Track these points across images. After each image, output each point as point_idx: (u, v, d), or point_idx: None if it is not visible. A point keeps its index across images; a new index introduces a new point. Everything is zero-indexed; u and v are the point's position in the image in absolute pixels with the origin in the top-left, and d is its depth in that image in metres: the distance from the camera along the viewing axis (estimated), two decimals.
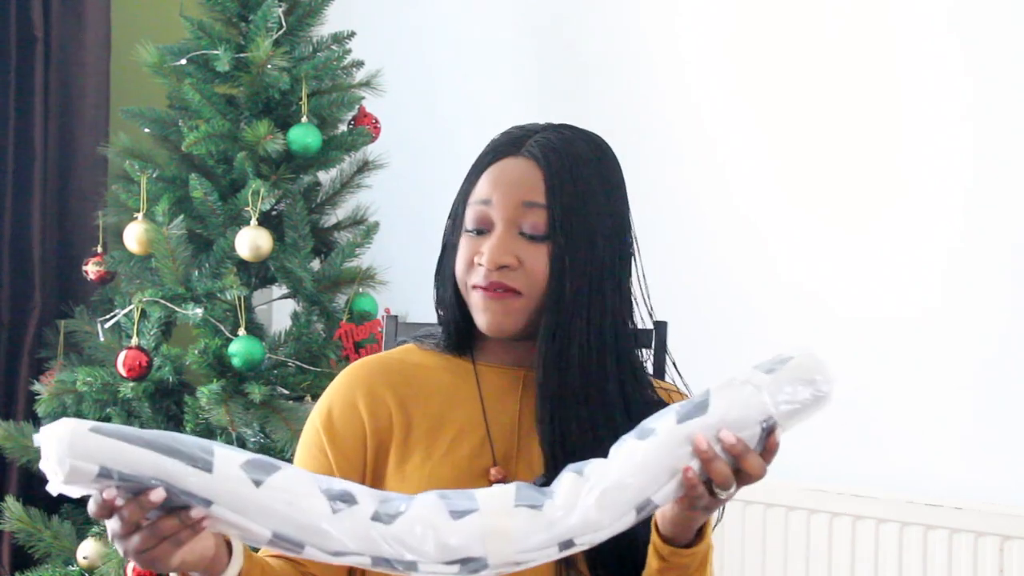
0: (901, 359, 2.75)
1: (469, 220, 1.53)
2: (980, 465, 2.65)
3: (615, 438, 1.42)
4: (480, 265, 1.51)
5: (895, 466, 2.75)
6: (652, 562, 1.44)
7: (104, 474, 1.24)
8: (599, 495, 1.30)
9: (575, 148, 1.53)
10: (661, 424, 1.34)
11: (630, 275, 1.56)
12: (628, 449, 1.33)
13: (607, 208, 1.52)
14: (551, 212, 1.49)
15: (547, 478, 1.49)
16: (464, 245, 1.54)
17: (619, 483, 1.31)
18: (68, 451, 1.23)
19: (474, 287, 1.52)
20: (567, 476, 1.34)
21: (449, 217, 1.59)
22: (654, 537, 1.43)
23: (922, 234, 2.74)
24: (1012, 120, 2.63)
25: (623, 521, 1.32)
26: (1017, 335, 2.62)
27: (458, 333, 1.58)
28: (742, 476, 1.35)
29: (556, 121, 1.60)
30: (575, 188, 1.50)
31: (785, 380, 1.34)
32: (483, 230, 1.52)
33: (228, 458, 1.28)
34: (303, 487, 1.30)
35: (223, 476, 1.27)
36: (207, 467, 1.27)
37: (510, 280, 1.50)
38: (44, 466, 1.25)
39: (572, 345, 1.50)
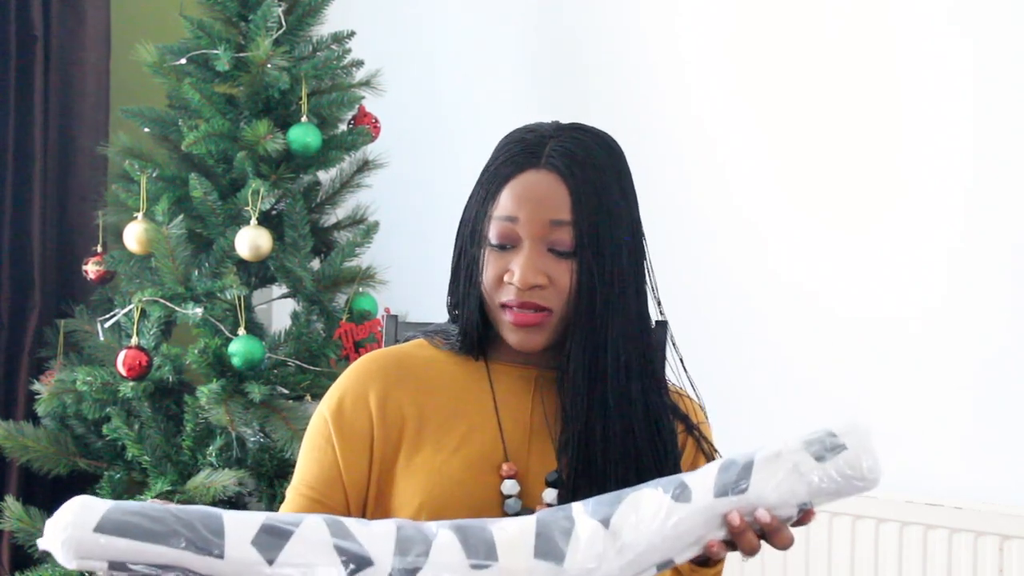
0: (901, 359, 2.75)
1: (493, 235, 1.52)
2: (980, 465, 2.65)
3: (634, 443, 1.46)
4: (510, 284, 1.51)
5: (895, 466, 2.74)
6: None
7: (115, 567, 1.25)
8: (628, 562, 1.31)
9: (594, 156, 1.52)
10: (698, 489, 1.33)
11: (645, 275, 1.57)
12: (663, 510, 1.33)
13: (627, 215, 1.53)
14: (578, 229, 1.50)
15: (559, 474, 1.52)
16: (491, 261, 1.53)
17: (648, 548, 1.31)
18: (75, 553, 1.24)
19: (503, 305, 1.53)
20: (591, 525, 1.32)
21: (464, 223, 1.57)
22: None
23: (922, 234, 2.74)
24: (1012, 120, 2.63)
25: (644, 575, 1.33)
26: (1017, 335, 2.62)
27: (477, 337, 1.58)
28: (769, 542, 1.37)
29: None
30: (599, 201, 1.50)
31: (835, 471, 1.33)
32: (508, 246, 1.52)
33: (239, 537, 1.28)
34: (318, 555, 1.29)
35: (235, 560, 1.27)
36: (219, 553, 1.27)
37: (541, 299, 1.51)
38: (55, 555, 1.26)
39: (605, 356, 1.51)
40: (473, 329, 1.57)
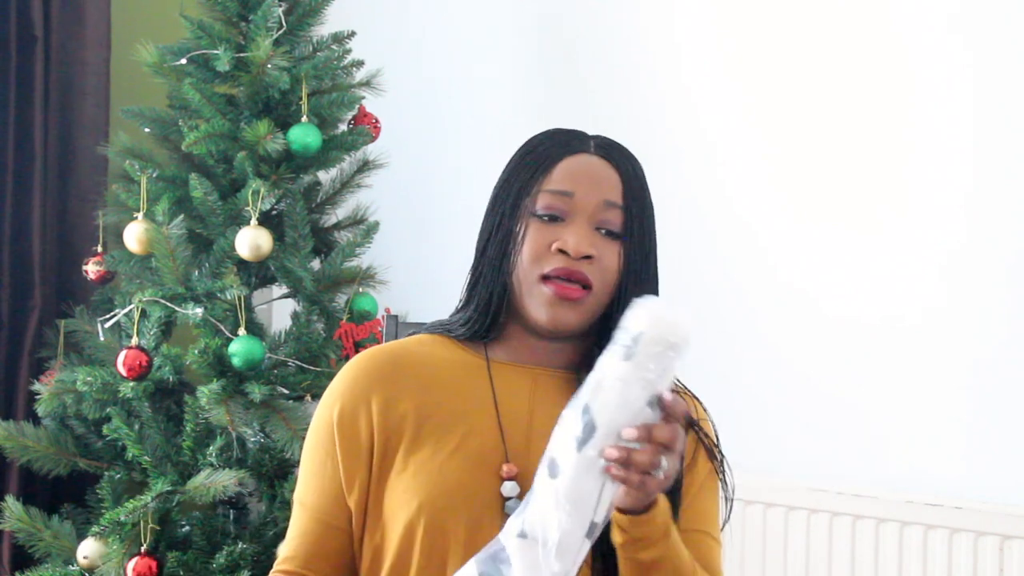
0: (901, 359, 2.75)
1: (543, 207, 1.54)
2: (980, 465, 2.65)
3: None
4: (561, 252, 1.52)
5: (895, 466, 2.75)
6: (616, 538, 1.43)
7: None
8: (559, 553, 1.32)
9: (632, 156, 1.59)
10: (563, 457, 1.33)
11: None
12: (549, 491, 1.33)
13: (654, 215, 1.59)
14: (628, 213, 1.54)
15: None
16: (535, 232, 1.54)
17: (562, 531, 1.32)
18: None
19: (544, 277, 1.53)
20: (513, 543, 1.34)
21: (500, 200, 1.58)
22: (613, 514, 1.41)
23: (922, 235, 2.74)
24: (1013, 122, 2.63)
25: (581, 552, 1.33)
26: (1017, 335, 2.62)
27: (490, 320, 1.58)
28: (663, 447, 1.34)
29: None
30: (644, 195, 1.57)
31: (646, 358, 1.32)
32: (557, 218, 1.54)
33: None
34: None
35: None
36: None
37: (588, 271, 1.52)
38: None
39: None
40: (489, 306, 1.57)
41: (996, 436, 2.64)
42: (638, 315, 1.33)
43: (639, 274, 1.54)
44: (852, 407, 2.80)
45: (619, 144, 1.60)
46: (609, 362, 1.33)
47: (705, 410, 1.65)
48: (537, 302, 1.53)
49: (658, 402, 1.33)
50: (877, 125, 2.79)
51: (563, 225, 1.53)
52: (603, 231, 1.54)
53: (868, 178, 2.81)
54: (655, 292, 1.56)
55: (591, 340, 1.55)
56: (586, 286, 1.52)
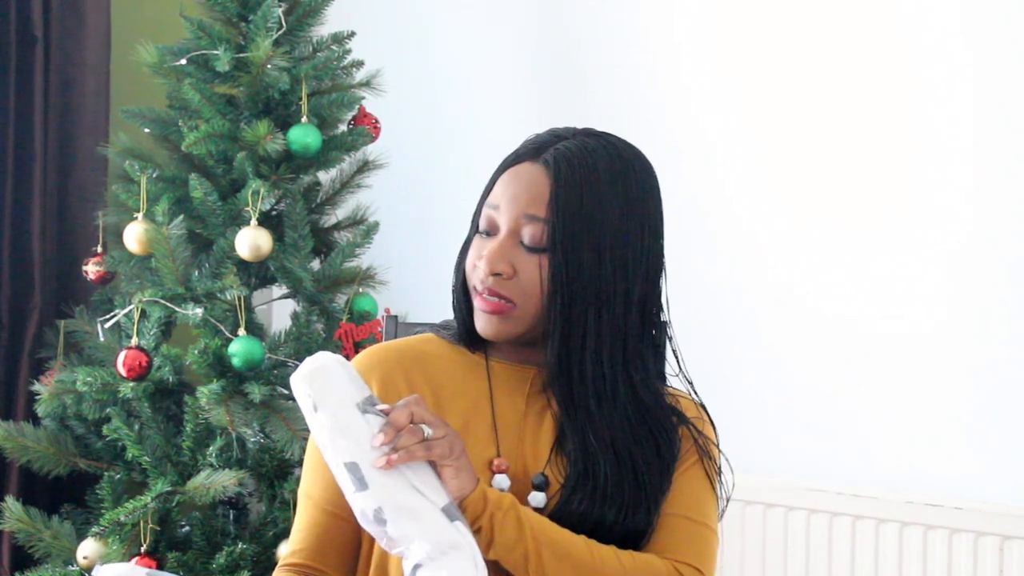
0: (901, 359, 2.75)
1: (481, 222, 1.56)
2: (980, 465, 2.65)
3: (628, 450, 1.51)
4: (479, 268, 1.54)
5: (895, 466, 2.75)
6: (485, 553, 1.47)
7: None
8: (444, 554, 1.40)
9: (594, 159, 1.52)
10: (366, 504, 1.43)
11: (653, 287, 1.57)
12: (393, 534, 1.42)
13: (621, 223, 1.52)
14: (552, 227, 1.51)
15: (544, 477, 1.54)
16: (474, 247, 1.57)
17: (428, 538, 1.40)
18: None
19: (473, 289, 1.56)
20: None
21: (474, 214, 1.62)
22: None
23: (923, 235, 2.74)
24: (1013, 122, 2.63)
25: (464, 533, 1.42)
26: (1017, 336, 2.62)
27: (469, 327, 1.60)
28: (411, 424, 1.44)
29: (559, 121, 1.61)
30: (582, 202, 1.51)
31: (320, 393, 1.45)
32: (490, 232, 1.55)
33: None
34: None
35: None
36: None
37: (503, 288, 1.53)
38: None
39: (581, 360, 1.53)
40: (460, 316, 1.60)
41: (996, 436, 2.64)
42: (293, 388, 1.47)
43: (569, 286, 1.50)
44: (852, 407, 2.80)
45: (588, 147, 1.53)
46: (313, 427, 1.45)
47: (707, 412, 1.65)
48: (475, 314, 1.57)
49: (369, 404, 1.43)
50: (877, 125, 2.79)
51: (493, 239, 1.54)
52: (526, 244, 1.52)
53: (868, 178, 2.81)
54: (604, 302, 1.52)
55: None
56: (509, 300, 1.53)
